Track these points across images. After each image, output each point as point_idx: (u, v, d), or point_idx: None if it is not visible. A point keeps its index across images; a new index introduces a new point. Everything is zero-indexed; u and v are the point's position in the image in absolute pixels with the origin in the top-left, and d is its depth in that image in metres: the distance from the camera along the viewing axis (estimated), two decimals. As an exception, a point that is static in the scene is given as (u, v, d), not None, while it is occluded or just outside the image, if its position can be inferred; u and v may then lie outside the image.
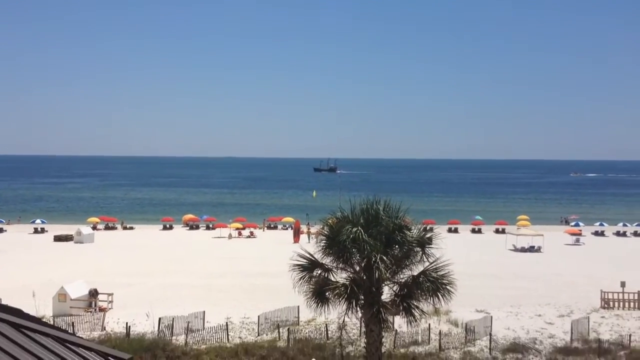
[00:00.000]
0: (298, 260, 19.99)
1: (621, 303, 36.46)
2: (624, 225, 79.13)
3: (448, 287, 19.19)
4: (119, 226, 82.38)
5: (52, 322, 27.95)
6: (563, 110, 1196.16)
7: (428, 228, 20.85)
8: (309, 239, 62.18)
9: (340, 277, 19.79)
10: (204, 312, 31.16)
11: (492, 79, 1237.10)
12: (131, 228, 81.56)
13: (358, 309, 19.32)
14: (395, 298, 19.48)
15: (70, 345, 7.99)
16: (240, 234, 73.58)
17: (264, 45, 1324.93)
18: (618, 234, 77.43)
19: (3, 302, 19.84)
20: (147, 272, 47.09)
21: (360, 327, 28.07)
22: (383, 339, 20.56)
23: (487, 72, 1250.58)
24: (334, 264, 19.78)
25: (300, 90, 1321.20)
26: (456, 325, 31.43)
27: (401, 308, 19.31)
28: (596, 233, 77.26)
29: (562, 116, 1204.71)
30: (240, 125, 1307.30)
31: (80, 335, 28.32)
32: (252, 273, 46.51)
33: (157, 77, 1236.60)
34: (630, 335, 29.22)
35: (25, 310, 9.65)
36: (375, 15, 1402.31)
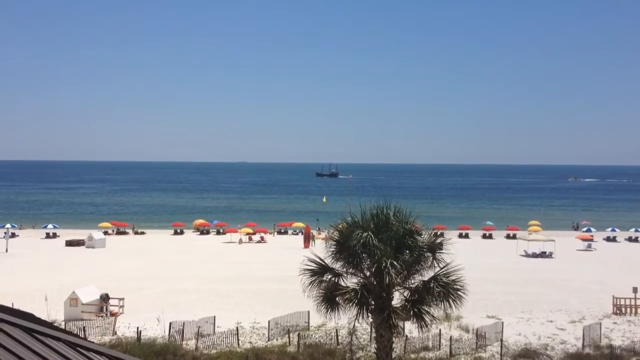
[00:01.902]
0: (308, 265, 19.99)
1: (633, 309, 36.20)
2: (636, 230, 78.65)
3: (459, 292, 19.13)
4: (130, 231, 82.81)
5: (63, 327, 28.10)
6: (561, 114, 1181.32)
7: (439, 233, 20.83)
8: (313, 243, 63.04)
9: (350, 282, 19.78)
10: (215, 317, 31.19)
11: (492, 84, 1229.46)
12: (142, 233, 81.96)
13: (368, 314, 19.29)
14: (406, 303, 19.43)
15: (81, 350, 8.03)
16: (250, 239, 73.68)
17: (274, 49, 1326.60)
18: (630, 239, 76.91)
19: (15, 307, 19.97)
20: (158, 276, 47.24)
21: (371, 332, 28.03)
22: (393, 345, 20.51)
23: (489, 76, 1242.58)
24: (344, 269, 19.79)
25: (302, 95, 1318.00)
26: (467, 331, 31.30)
27: (412, 313, 19.26)
28: (608, 239, 76.77)
29: (561, 120, 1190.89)
30: (250, 130, 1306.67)
31: (92, 340, 28.45)
32: (262, 278, 46.54)
33: (165, 82, 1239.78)
34: (643, 342, 28.97)
35: (37, 314, 9.71)
36: (376, 19, 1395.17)
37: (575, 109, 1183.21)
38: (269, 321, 30.65)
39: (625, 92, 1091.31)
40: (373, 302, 19.18)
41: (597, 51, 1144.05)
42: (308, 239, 67.40)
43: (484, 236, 79.32)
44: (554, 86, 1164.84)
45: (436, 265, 19.55)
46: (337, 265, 19.76)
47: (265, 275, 47.67)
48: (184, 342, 28.62)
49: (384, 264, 18.31)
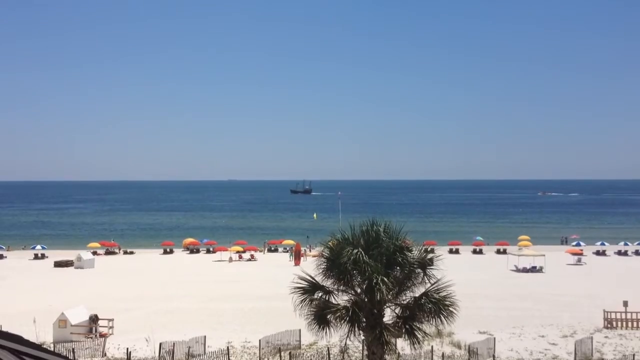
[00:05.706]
0: (299, 283, 19.88)
1: (624, 323, 36.25)
2: (625, 244, 79.04)
3: (450, 308, 19.06)
4: (119, 251, 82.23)
5: (52, 349, 27.77)
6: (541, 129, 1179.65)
7: (429, 249, 20.79)
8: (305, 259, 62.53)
9: (341, 299, 19.67)
10: (205, 336, 30.94)
11: (484, 100, 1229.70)
12: (131, 253, 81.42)
13: (360, 331, 19.18)
14: (398, 320, 19.35)
15: (70, 372, 7.95)
16: (240, 257, 73.38)
17: (260, 66, 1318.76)
18: (619, 253, 77.23)
19: (3, 329, 19.71)
20: (148, 297, 46.88)
21: (363, 350, 27.87)
22: (385, 362, 20.38)
23: (477, 92, 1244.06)
24: (335, 287, 19.68)
25: (291, 111, 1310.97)
26: (459, 347, 31.22)
27: (403, 330, 19.16)
28: (597, 252, 77.00)
29: (542, 135, 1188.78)
30: (238, 147, 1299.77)
31: (81, 362, 28.14)
32: (253, 296, 46.29)
33: (155, 102, 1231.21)
34: (634, 355, 28.98)
35: (26, 336, 9.59)
36: (366, 31, 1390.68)
37: (555, 124, 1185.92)
38: (259, 340, 30.44)
39: (607, 107, 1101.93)
40: (364, 320, 19.08)
41: (582, 64, 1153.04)
42: (298, 257, 67.21)
43: (475, 251, 79.41)
44: (542, 100, 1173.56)
45: (427, 281, 19.49)
46: (328, 283, 19.66)
47: (255, 294, 47.42)
48: (174, 363, 28.34)
49: (374, 281, 18.24)
